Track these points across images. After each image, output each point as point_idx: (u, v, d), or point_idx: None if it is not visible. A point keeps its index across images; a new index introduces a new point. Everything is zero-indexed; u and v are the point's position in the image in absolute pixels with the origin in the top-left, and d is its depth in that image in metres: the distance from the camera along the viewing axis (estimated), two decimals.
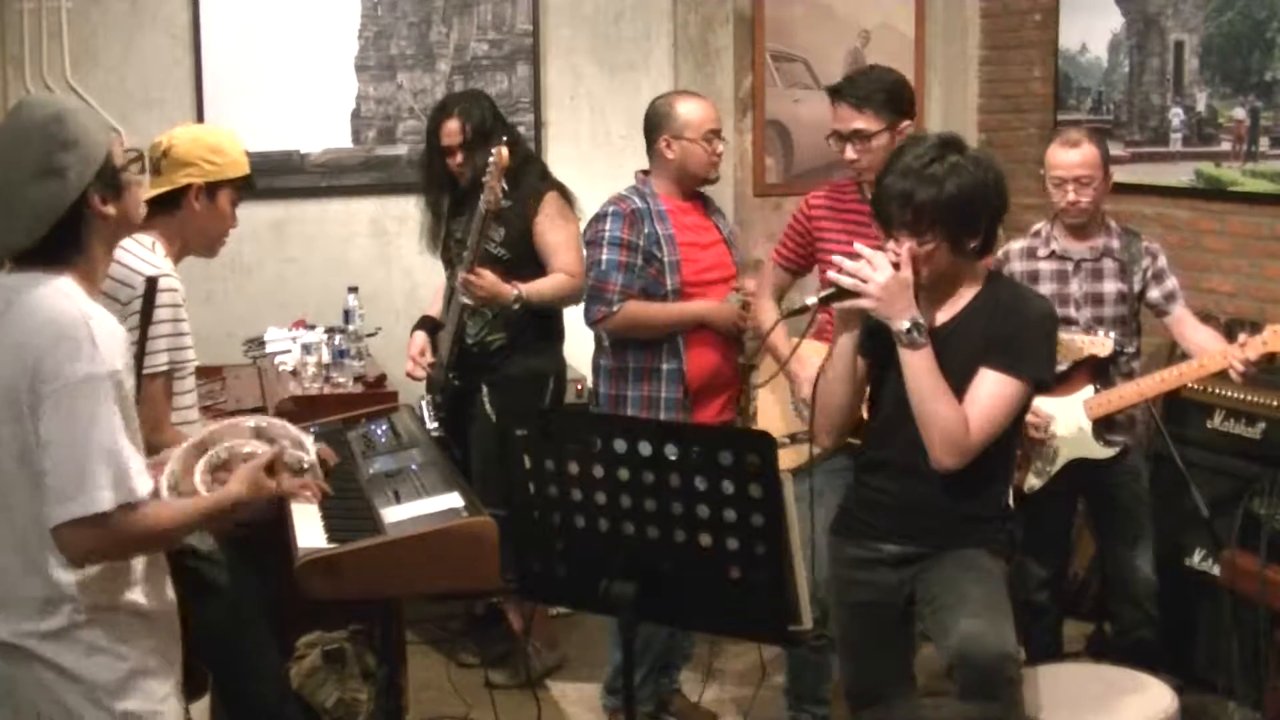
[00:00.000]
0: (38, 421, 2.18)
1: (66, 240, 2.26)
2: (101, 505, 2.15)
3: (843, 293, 2.84)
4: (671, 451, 2.42)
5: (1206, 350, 3.76)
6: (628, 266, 3.88)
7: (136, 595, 2.34)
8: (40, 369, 2.17)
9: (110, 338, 2.22)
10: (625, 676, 2.66)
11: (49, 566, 2.23)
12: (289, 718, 3.39)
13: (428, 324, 4.51)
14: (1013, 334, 2.85)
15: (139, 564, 2.35)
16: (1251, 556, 3.65)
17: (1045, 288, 3.89)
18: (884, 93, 3.65)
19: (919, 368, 2.80)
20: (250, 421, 2.64)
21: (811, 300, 2.89)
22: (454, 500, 2.89)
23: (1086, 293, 3.92)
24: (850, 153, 3.67)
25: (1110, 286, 3.92)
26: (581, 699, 4.28)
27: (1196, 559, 4.10)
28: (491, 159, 3.99)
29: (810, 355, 3.61)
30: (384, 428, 3.57)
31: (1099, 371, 3.88)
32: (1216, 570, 3.90)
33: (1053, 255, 3.96)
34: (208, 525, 2.51)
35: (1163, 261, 3.94)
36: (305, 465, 2.62)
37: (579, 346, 4.72)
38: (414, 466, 3.19)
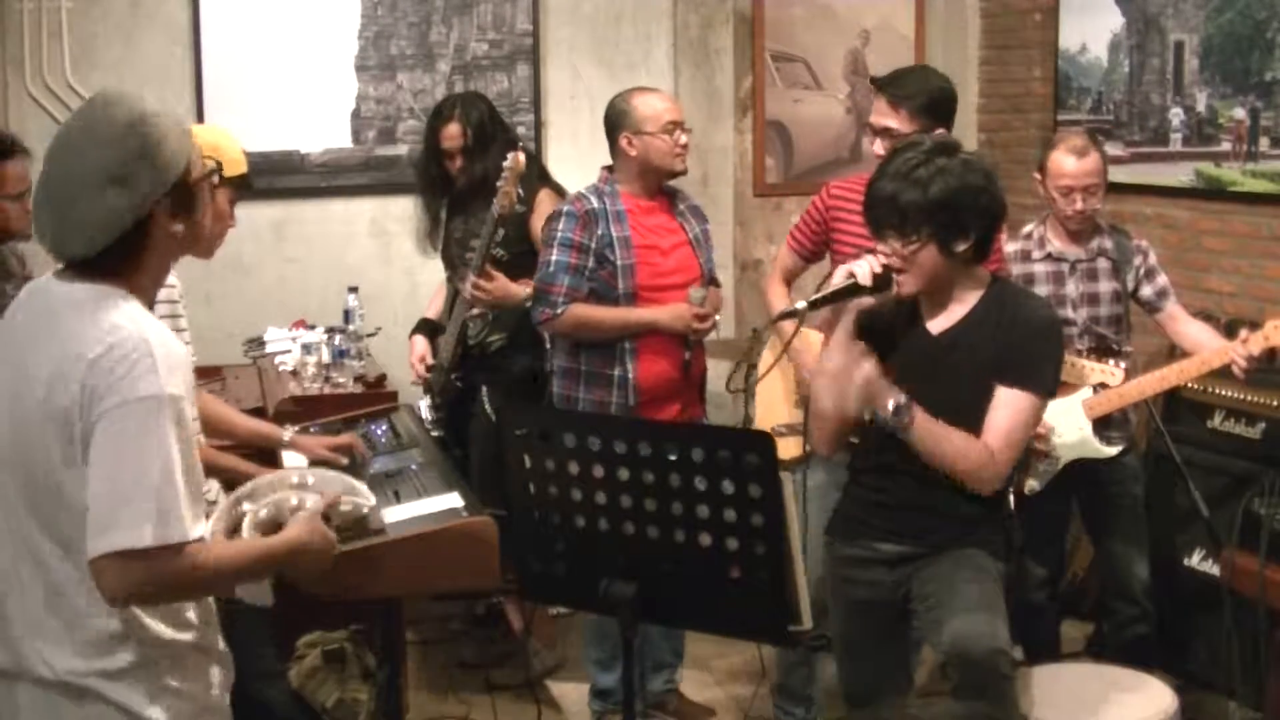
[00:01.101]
0: (89, 446, 2.03)
1: (125, 255, 2.10)
2: (141, 541, 1.98)
3: (835, 294, 2.85)
4: (671, 451, 2.42)
5: (1204, 345, 3.78)
6: (576, 269, 3.82)
7: (192, 633, 2.22)
8: (96, 388, 2.02)
9: (172, 359, 2.06)
10: (625, 676, 2.65)
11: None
12: (289, 718, 3.39)
13: (426, 327, 4.51)
14: (1024, 348, 2.86)
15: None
16: (1251, 556, 3.64)
17: (1041, 290, 3.89)
18: (925, 96, 3.60)
19: (920, 434, 2.81)
20: (291, 475, 2.52)
21: (801, 304, 2.88)
22: (454, 500, 2.89)
23: (1083, 293, 3.92)
24: (879, 148, 3.61)
25: (1105, 286, 3.92)
26: (581, 699, 4.28)
27: (1196, 559, 4.10)
28: (507, 165, 3.98)
29: (818, 344, 3.61)
30: (384, 428, 3.57)
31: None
32: (1216, 570, 3.90)
33: (1048, 258, 3.95)
34: (265, 575, 2.36)
35: (1153, 259, 3.96)
36: (364, 511, 2.50)
37: None
38: (414, 466, 3.19)
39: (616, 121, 3.93)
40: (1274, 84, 4.48)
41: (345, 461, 3.16)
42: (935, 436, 2.82)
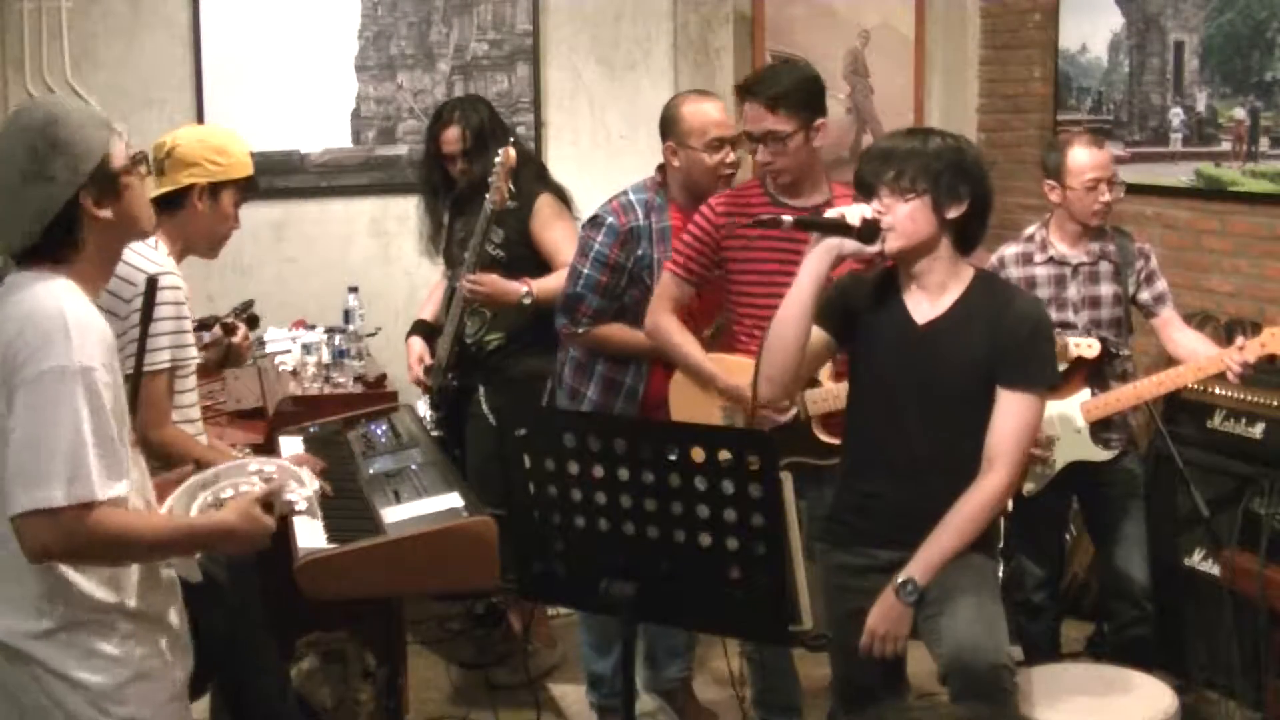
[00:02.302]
0: (10, 412, 2.17)
1: (64, 241, 2.26)
2: (53, 501, 2.12)
3: (820, 224, 2.84)
4: (671, 451, 2.42)
5: (1195, 354, 3.77)
6: (606, 289, 3.77)
7: (130, 599, 2.31)
8: (15, 360, 2.17)
9: (87, 333, 2.20)
10: (625, 676, 2.65)
11: (40, 565, 2.21)
12: (290, 718, 3.39)
13: (422, 328, 4.51)
14: (1024, 349, 2.85)
15: (134, 567, 2.32)
16: (1251, 556, 3.65)
17: (1042, 292, 3.88)
18: (799, 91, 3.44)
19: (937, 566, 2.84)
20: (253, 465, 2.57)
21: (786, 218, 2.86)
22: (454, 500, 2.89)
23: (1084, 296, 3.92)
24: (763, 154, 3.47)
25: (1107, 289, 3.92)
26: (581, 699, 4.28)
27: (1196, 559, 4.09)
28: (498, 160, 3.98)
29: (736, 370, 3.51)
30: (384, 428, 3.58)
31: (1094, 374, 3.88)
32: (1216, 570, 3.90)
33: (1050, 260, 3.94)
34: (189, 550, 2.43)
35: (1154, 263, 3.95)
36: (300, 509, 2.53)
37: None
38: (414, 466, 3.19)
39: (665, 127, 3.79)
40: (1274, 84, 4.48)
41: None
42: (950, 541, 2.84)
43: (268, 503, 2.43)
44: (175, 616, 2.44)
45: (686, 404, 3.69)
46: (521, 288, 4.11)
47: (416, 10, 5.33)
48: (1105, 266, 3.92)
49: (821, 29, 5.76)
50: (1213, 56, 4.71)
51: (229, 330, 3.65)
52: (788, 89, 3.44)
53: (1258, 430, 3.96)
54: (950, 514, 2.84)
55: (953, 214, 2.83)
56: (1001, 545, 3.25)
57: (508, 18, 5.42)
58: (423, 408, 4.33)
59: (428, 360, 4.42)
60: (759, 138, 3.46)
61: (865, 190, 2.86)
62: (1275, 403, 3.90)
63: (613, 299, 3.79)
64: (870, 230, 2.79)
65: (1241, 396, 3.98)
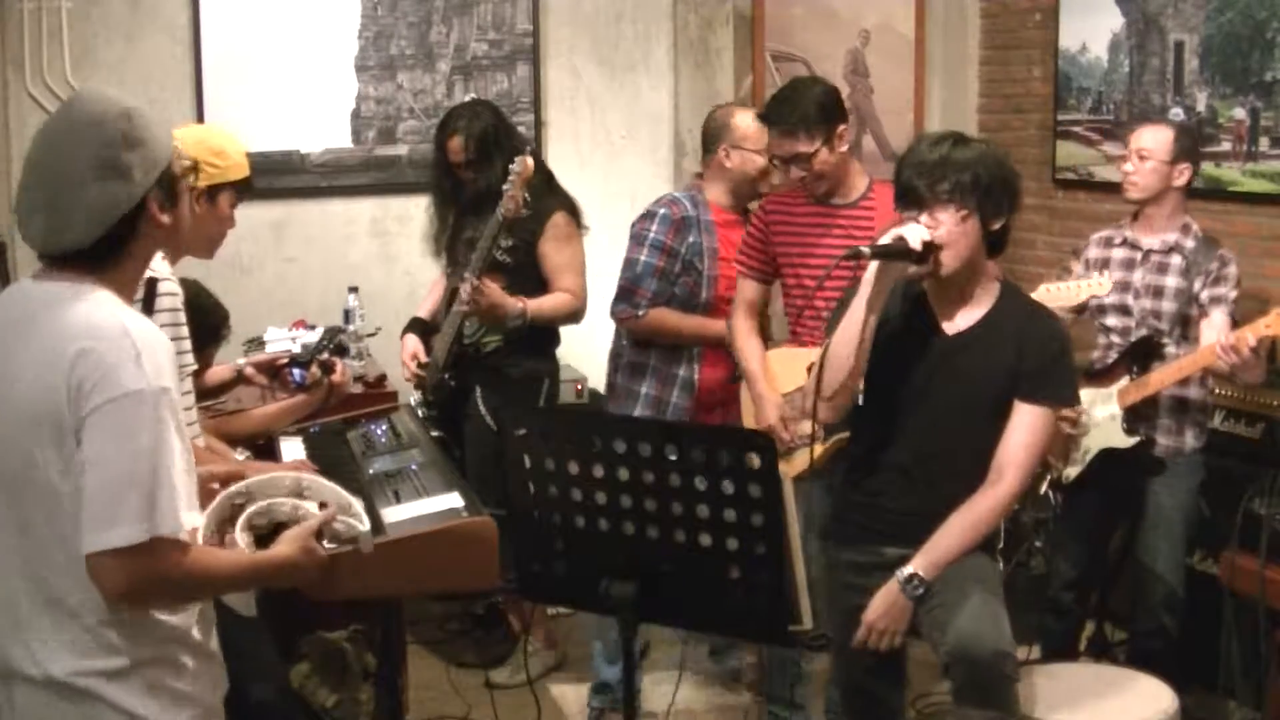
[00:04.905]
0: (80, 443, 2.02)
1: (117, 245, 2.12)
2: (135, 538, 1.99)
3: (896, 251, 2.81)
4: (671, 451, 2.42)
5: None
6: (663, 273, 3.94)
7: (195, 631, 2.22)
8: (83, 387, 2.01)
9: (156, 351, 2.07)
10: (626, 677, 2.65)
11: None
12: (290, 718, 3.39)
13: (418, 326, 4.50)
14: (1051, 365, 2.90)
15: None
16: (1251, 556, 3.65)
17: (1115, 274, 3.92)
18: (815, 109, 3.56)
19: (942, 565, 2.88)
20: (288, 479, 2.52)
21: (865, 249, 2.85)
22: (454, 500, 2.89)
23: (1148, 284, 3.90)
24: (795, 173, 3.64)
25: (1172, 281, 3.88)
26: (581, 699, 4.28)
27: (1196, 559, 4.09)
28: (515, 169, 3.97)
29: (779, 369, 3.62)
30: (384, 428, 3.57)
31: (1138, 361, 3.86)
32: (1216, 570, 3.90)
33: (1125, 243, 3.98)
34: (256, 586, 2.38)
35: (1231, 270, 3.84)
36: (357, 534, 2.47)
37: (576, 347, 4.72)
38: (414, 466, 3.19)
39: (717, 133, 4.03)
40: (1274, 84, 4.48)
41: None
42: (957, 541, 2.88)
43: (320, 532, 2.38)
44: (217, 645, 2.35)
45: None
46: (518, 306, 4.12)
47: (416, 10, 5.33)
48: (1176, 260, 3.88)
49: (821, 29, 5.77)
50: (1213, 56, 4.71)
51: (327, 369, 3.65)
52: (807, 111, 3.56)
53: (1258, 430, 3.96)
54: (958, 515, 2.87)
55: (995, 227, 2.85)
56: (1001, 546, 3.24)
57: (508, 18, 5.42)
58: (414, 404, 4.32)
59: (422, 357, 4.41)
60: (789, 159, 3.62)
61: (912, 201, 2.85)
62: (1275, 402, 3.90)
63: (669, 283, 3.95)
64: (929, 251, 2.82)
65: (1241, 396, 3.98)
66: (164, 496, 2.02)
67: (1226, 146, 4.65)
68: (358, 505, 2.56)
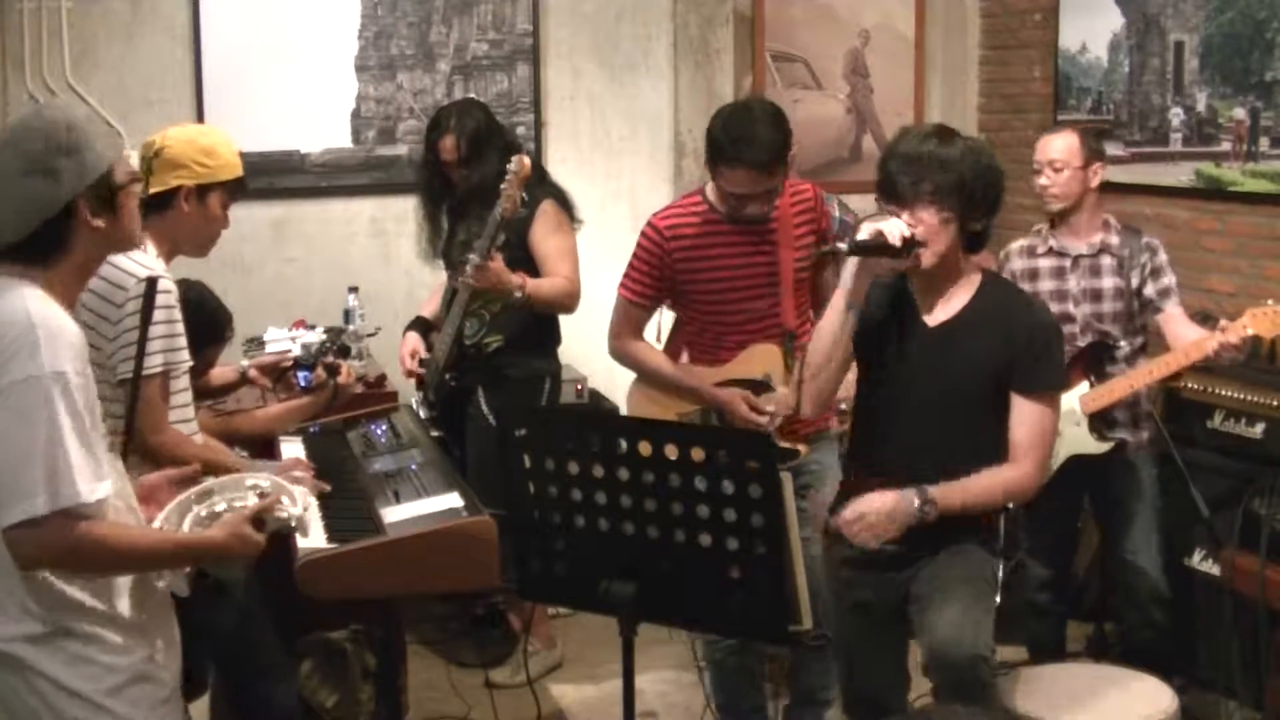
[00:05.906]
0: None
1: (52, 242, 2.27)
2: (35, 510, 2.14)
3: (875, 247, 2.81)
4: (671, 451, 2.42)
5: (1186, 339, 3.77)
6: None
7: (123, 608, 2.31)
8: None
9: (57, 339, 2.20)
10: (625, 677, 2.65)
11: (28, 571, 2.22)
12: (296, 718, 3.39)
13: (420, 324, 4.50)
14: (1041, 357, 2.90)
15: (126, 576, 2.32)
16: (1251, 556, 3.65)
17: (1044, 284, 3.91)
18: (782, 138, 3.46)
19: (951, 506, 2.85)
20: (250, 480, 2.57)
21: (842, 245, 2.85)
22: (454, 500, 2.89)
23: (1085, 288, 3.93)
24: (755, 208, 3.50)
25: (1108, 282, 3.92)
26: (581, 699, 4.28)
27: (1196, 559, 4.09)
28: (512, 169, 3.96)
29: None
30: (384, 428, 3.58)
31: (1094, 367, 3.88)
32: (1216, 570, 3.90)
33: (1051, 252, 3.98)
34: (178, 564, 2.43)
35: (1162, 258, 3.94)
36: (291, 525, 2.51)
37: (577, 347, 4.72)
38: (414, 466, 3.19)
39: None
40: (1274, 84, 4.48)
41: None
42: (967, 496, 2.85)
43: (259, 519, 2.43)
44: (168, 623, 2.43)
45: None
46: (517, 280, 4.11)
47: (416, 10, 5.33)
48: (1108, 260, 3.93)
49: (821, 29, 5.77)
50: (1213, 56, 4.71)
51: (332, 370, 3.67)
52: (776, 144, 3.44)
53: (1258, 430, 3.96)
54: (979, 475, 2.86)
55: (975, 227, 2.85)
56: (1001, 545, 3.24)
57: (508, 18, 5.42)
58: (415, 404, 4.33)
59: (422, 353, 4.41)
60: (760, 195, 3.48)
61: (893, 197, 2.85)
62: (1275, 403, 3.90)
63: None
64: (909, 248, 2.81)
65: (1241, 396, 3.98)
66: (62, 470, 2.16)
67: (1226, 146, 4.65)
68: (299, 493, 2.57)
